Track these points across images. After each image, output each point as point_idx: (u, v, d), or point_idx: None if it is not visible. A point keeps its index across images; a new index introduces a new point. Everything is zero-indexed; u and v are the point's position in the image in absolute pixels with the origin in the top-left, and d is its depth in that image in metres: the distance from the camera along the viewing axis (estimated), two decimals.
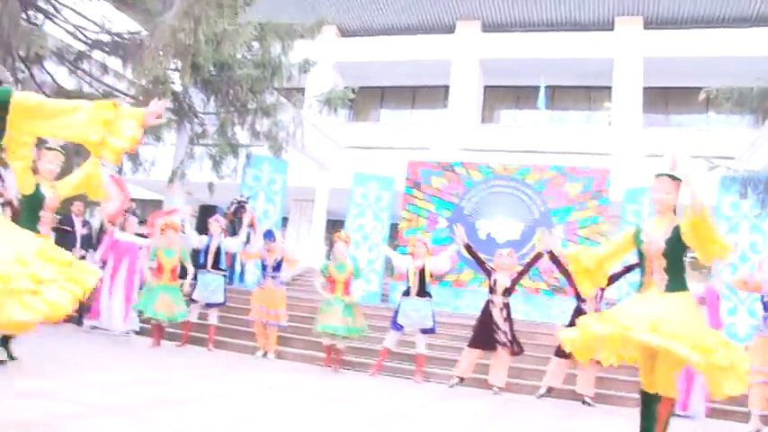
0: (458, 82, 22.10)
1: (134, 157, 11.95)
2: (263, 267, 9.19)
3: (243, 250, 10.32)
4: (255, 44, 12.05)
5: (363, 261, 13.16)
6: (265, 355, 8.99)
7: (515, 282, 8.07)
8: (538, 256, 8.00)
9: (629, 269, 7.65)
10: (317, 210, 19.18)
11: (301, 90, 20.34)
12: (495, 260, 8.23)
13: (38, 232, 4.95)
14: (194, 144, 12.46)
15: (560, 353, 7.32)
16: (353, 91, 13.70)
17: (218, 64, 11.28)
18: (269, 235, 9.22)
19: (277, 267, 9.11)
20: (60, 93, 12.72)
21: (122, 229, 9.68)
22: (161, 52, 9.18)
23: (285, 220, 18.41)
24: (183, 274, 9.29)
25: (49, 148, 5.56)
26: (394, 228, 15.24)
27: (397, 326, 8.30)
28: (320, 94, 13.11)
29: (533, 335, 9.68)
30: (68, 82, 12.87)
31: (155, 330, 8.90)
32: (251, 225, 12.37)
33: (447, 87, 22.43)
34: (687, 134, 19.76)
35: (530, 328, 10.08)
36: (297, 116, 13.05)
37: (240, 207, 12.58)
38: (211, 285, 9.26)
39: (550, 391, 7.69)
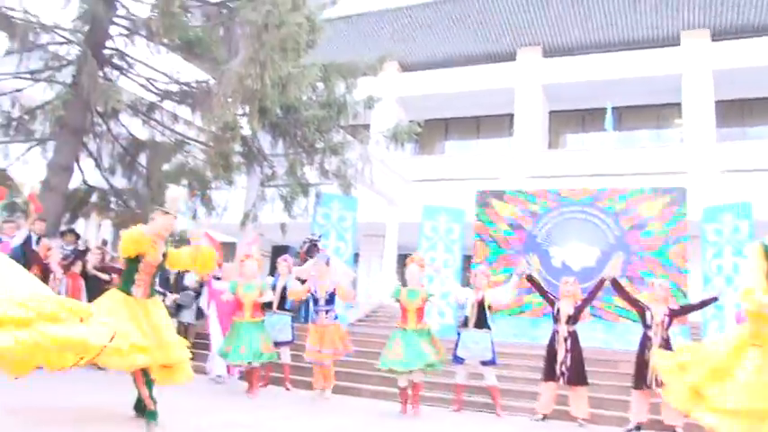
0: (522, 109, 21.97)
1: (207, 202, 12.27)
2: (315, 302, 8.47)
3: (290, 289, 9.14)
4: (320, 84, 12.31)
5: (436, 295, 13.07)
6: (323, 392, 8.50)
7: (580, 309, 7.88)
8: (601, 283, 7.81)
9: (704, 304, 7.57)
10: (387, 244, 19.22)
11: (366, 126, 20.56)
12: (560, 288, 8.10)
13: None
14: (265, 186, 12.72)
15: (638, 385, 7.21)
16: (419, 125, 13.74)
17: (285, 106, 11.55)
18: (323, 257, 8.56)
19: (329, 301, 8.39)
20: (135, 143, 13.31)
21: (217, 278, 9.72)
22: (229, 99, 9.47)
23: (356, 255, 18.51)
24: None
25: (166, 212, 5.47)
26: (467, 259, 15.11)
27: (457, 359, 8.20)
28: (386, 129, 13.22)
29: (616, 363, 9.36)
30: (142, 132, 13.45)
31: (247, 376, 8.55)
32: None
33: (511, 115, 22.32)
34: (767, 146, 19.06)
35: (613, 356, 9.76)
36: (364, 153, 13.19)
37: (313, 246, 12.68)
38: (278, 325, 9.11)
39: (639, 429, 7.37)
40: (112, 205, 13.47)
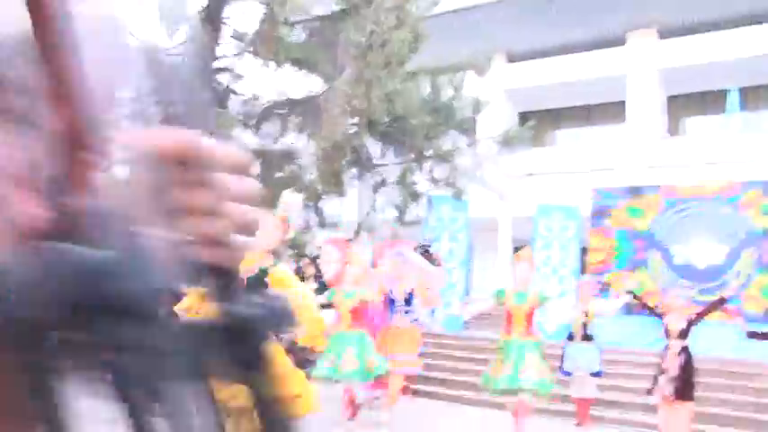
0: (635, 96, 21.03)
1: (320, 212, 12.49)
2: (391, 302, 7.73)
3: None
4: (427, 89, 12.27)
5: (553, 295, 12.81)
6: (372, 411, 7.59)
7: (692, 323, 7.19)
8: (720, 302, 7.32)
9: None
10: (501, 240, 19.01)
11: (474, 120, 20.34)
12: (666, 300, 7.68)
13: None
14: (376, 193, 12.83)
15: None
16: (524, 116, 13.42)
17: (393, 116, 11.59)
18: (424, 249, 8.31)
19: (408, 301, 7.73)
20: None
21: None
22: (337, 119, 9.57)
23: (470, 251, 18.41)
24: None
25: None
26: (584, 252, 14.68)
27: (565, 373, 8.07)
28: (497, 135, 12.98)
29: (751, 377, 8.81)
30: (252, 141, 13.86)
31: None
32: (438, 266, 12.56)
33: (623, 102, 21.43)
34: None
35: (750, 369, 9.17)
36: (474, 157, 13.03)
37: (425, 252, 12.76)
38: None
39: None
40: None
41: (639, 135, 20.44)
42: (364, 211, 12.85)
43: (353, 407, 7.28)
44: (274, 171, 13.31)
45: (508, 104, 22.79)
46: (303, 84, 12.83)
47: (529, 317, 6.81)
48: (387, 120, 11.70)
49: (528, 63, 22.97)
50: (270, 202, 12.08)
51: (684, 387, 7.12)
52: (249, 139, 13.73)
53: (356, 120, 10.45)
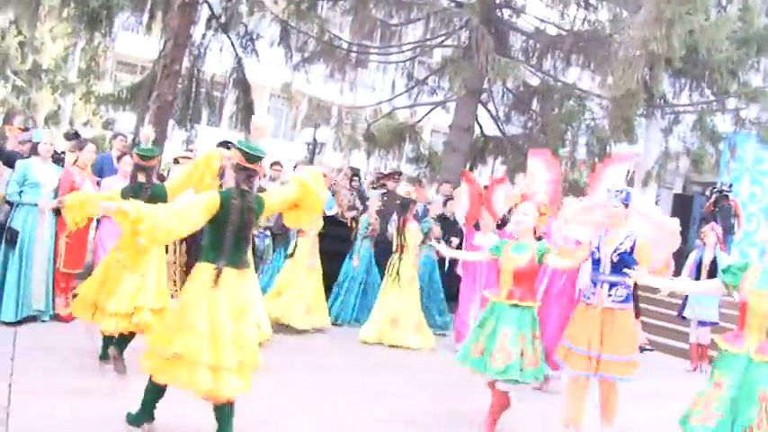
0: None
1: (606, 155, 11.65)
2: (595, 265, 4.67)
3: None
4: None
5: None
6: None
7: None
8: None
9: None
10: None
11: None
12: None
13: None
14: (667, 137, 11.60)
15: None
16: None
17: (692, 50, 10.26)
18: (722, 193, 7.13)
19: (618, 267, 4.49)
20: (527, 89, 13.28)
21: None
22: (633, 60, 8.62)
23: None
24: None
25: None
26: None
27: (682, 317, 8.36)
28: None
29: None
30: (534, 79, 13.34)
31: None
32: (735, 215, 11.19)
33: None
34: None
35: None
36: None
37: (723, 196, 11.40)
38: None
39: None
40: (508, 152, 13.76)
41: None
42: (652, 159, 11.72)
43: None
44: (554, 107, 12.75)
45: None
46: (587, 17, 11.92)
47: (521, 276, 4.77)
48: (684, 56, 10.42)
49: None
50: (551, 136, 11.71)
51: None
52: (530, 75, 13.24)
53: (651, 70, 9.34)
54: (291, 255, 7.73)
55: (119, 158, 7.17)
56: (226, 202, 3.59)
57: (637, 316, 6.52)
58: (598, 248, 4.56)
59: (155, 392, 3.80)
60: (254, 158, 3.74)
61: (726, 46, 10.15)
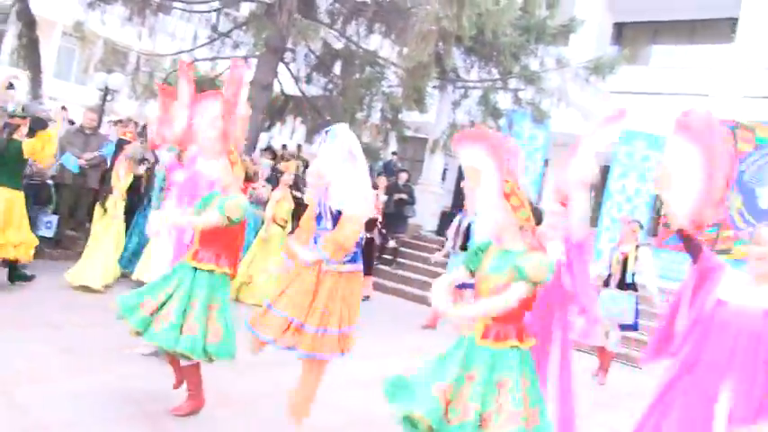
0: (751, 13, 19.08)
1: (398, 124, 12.26)
2: None
3: None
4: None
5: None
6: None
7: None
8: None
9: None
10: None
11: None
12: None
13: None
14: (456, 108, 12.48)
15: None
16: (620, 28, 12.59)
17: (481, 33, 11.08)
18: None
19: None
20: (330, 52, 13.51)
21: None
22: (426, 35, 9.17)
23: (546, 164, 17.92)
24: None
25: None
26: None
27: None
28: (587, 61, 12.30)
29: None
30: (337, 43, 13.58)
31: None
32: None
33: (735, 20, 19.61)
34: None
35: None
36: (562, 83, 12.42)
37: None
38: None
39: None
40: (307, 112, 13.96)
41: (746, 59, 18.85)
42: (440, 129, 12.55)
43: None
44: (355, 72, 13.10)
45: (604, 12, 21.29)
46: None
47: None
48: (474, 35, 11.22)
49: None
50: (350, 100, 12.07)
51: None
52: (334, 38, 13.45)
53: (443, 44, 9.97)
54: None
55: None
56: None
57: None
58: None
59: None
60: None
61: (510, 31, 11.10)
